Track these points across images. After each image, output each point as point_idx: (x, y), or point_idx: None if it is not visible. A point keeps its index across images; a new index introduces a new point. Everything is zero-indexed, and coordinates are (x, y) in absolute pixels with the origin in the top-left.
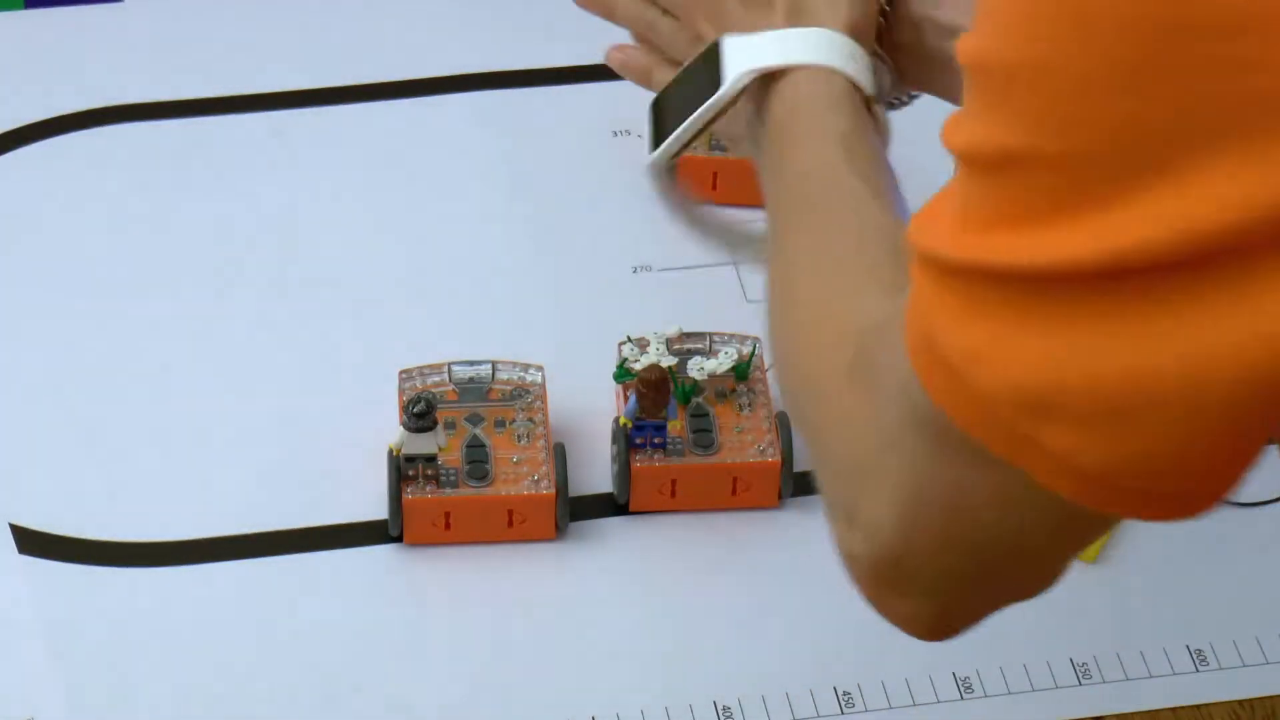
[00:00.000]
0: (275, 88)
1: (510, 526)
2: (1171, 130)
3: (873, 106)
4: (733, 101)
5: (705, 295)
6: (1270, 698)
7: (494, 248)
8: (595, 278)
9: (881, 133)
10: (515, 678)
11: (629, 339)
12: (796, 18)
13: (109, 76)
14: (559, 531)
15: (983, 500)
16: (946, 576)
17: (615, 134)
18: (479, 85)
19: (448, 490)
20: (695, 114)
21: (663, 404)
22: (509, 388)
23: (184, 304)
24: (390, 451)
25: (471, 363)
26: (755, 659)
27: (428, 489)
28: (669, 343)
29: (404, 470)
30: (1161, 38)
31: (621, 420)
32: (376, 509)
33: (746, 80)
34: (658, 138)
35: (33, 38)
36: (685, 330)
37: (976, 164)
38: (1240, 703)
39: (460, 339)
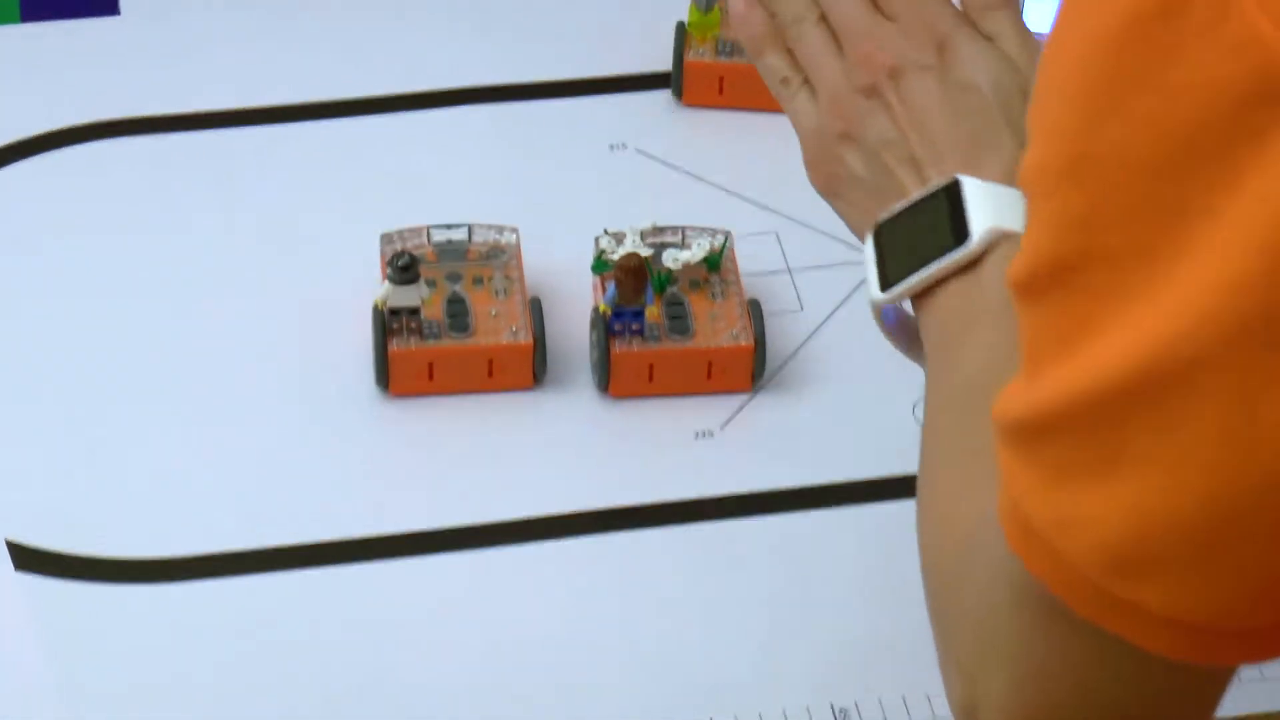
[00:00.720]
0: (273, 101)
1: (490, 376)
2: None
3: None
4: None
5: None
6: None
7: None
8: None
9: None
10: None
11: (605, 231)
12: (1006, 173)
13: (106, 89)
14: (537, 380)
15: (1094, 670)
16: None
17: (612, 148)
18: (476, 99)
19: (430, 341)
20: (934, 266)
21: (640, 290)
22: (485, 248)
23: (183, 314)
24: (375, 306)
25: (449, 226)
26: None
27: (411, 340)
28: (644, 235)
29: (389, 324)
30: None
31: (601, 307)
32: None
33: (991, 239)
34: (883, 272)
35: (29, 50)
36: (659, 224)
37: (1034, 288)
38: None
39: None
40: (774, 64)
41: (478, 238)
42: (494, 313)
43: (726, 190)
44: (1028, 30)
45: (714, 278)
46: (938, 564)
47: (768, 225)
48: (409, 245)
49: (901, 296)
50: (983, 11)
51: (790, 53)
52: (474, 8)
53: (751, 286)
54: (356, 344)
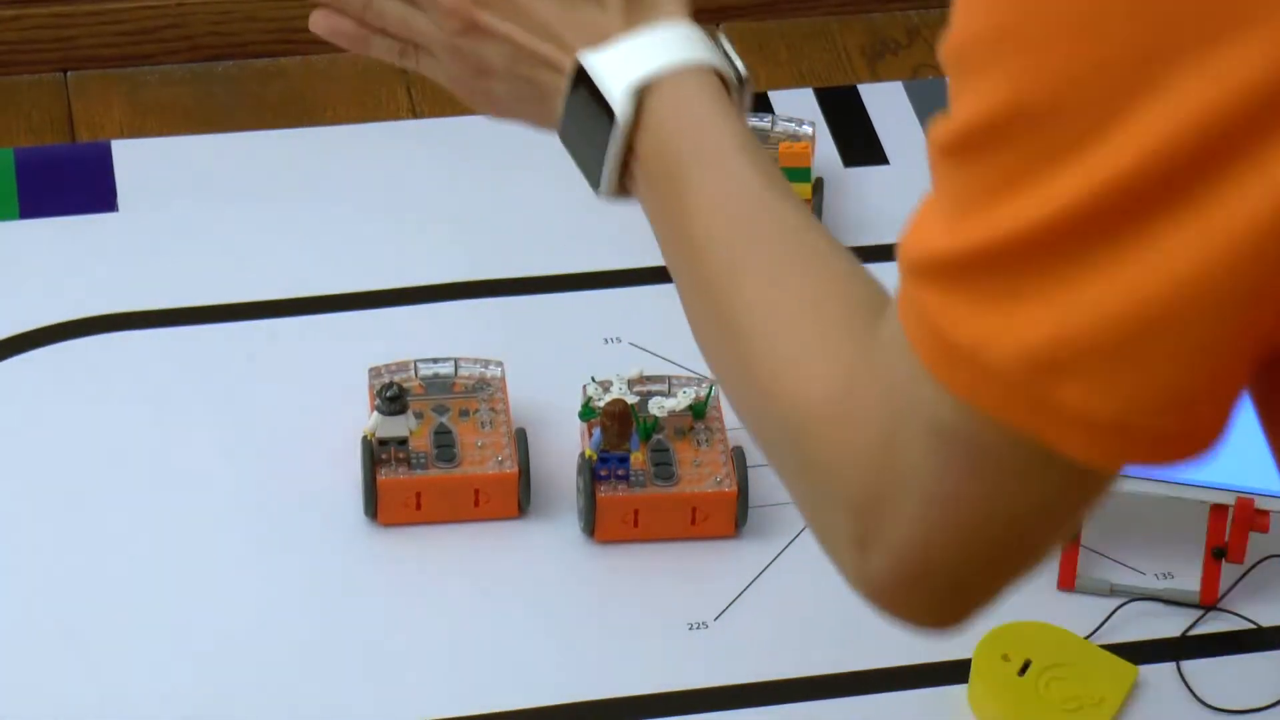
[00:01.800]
0: (270, 295)
1: (476, 506)
2: (1137, 59)
3: (733, 93)
4: (636, 121)
5: None
6: None
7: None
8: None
9: (744, 114)
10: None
11: (593, 379)
12: (639, 15)
13: (104, 285)
14: (521, 510)
15: (1006, 494)
16: (967, 576)
17: (606, 341)
18: (472, 293)
19: (418, 472)
20: (610, 153)
21: (625, 436)
22: (471, 381)
23: (177, 508)
24: (364, 437)
25: (435, 360)
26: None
27: (400, 470)
28: (630, 383)
29: (377, 454)
30: None
31: (587, 453)
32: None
33: (634, 97)
34: (587, 174)
35: (27, 246)
36: (646, 374)
37: (967, 146)
38: None
39: None
40: (381, 46)
41: (464, 371)
42: (480, 444)
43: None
44: None
45: (699, 425)
46: (771, 411)
47: None
48: (396, 378)
49: (612, 189)
50: None
51: (380, 35)
52: (467, 204)
53: (736, 434)
54: (345, 475)
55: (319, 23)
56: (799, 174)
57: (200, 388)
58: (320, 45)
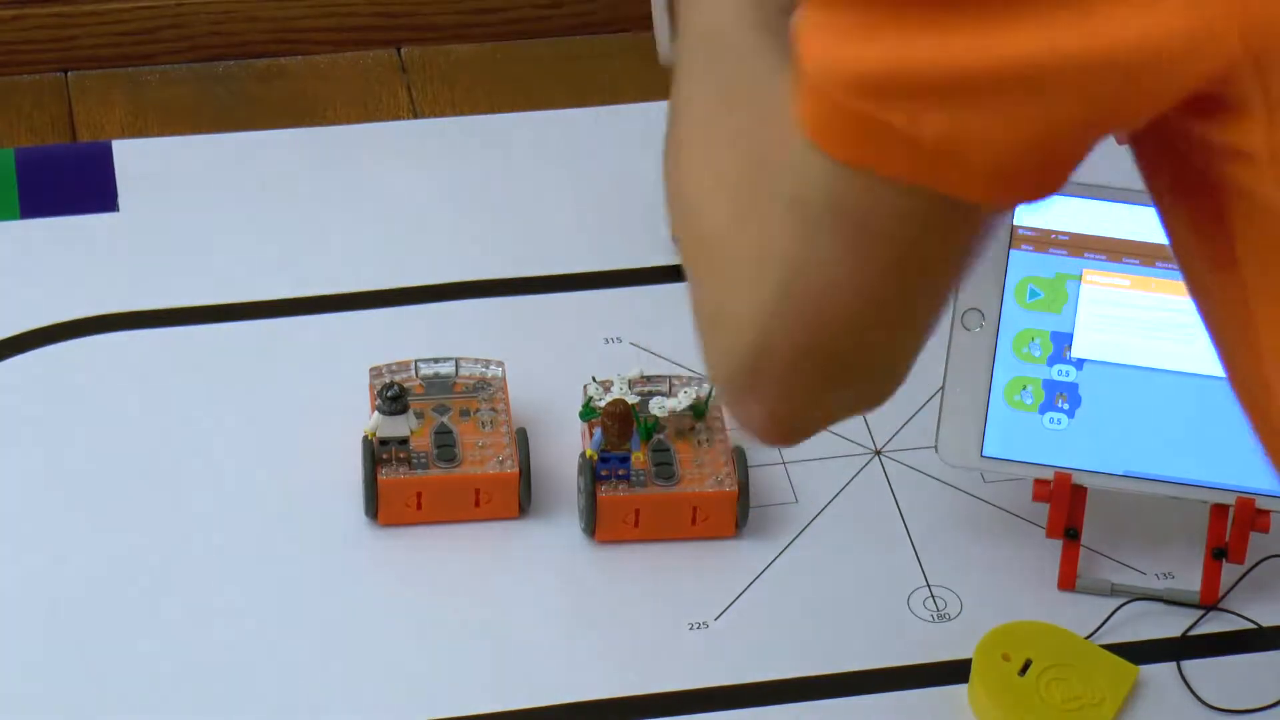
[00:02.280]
0: (270, 295)
1: (477, 506)
2: None
3: None
4: None
5: None
6: None
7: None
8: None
9: None
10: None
11: (594, 380)
12: None
13: (104, 285)
14: (522, 510)
15: (841, 268)
16: (801, 367)
17: (607, 340)
18: (473, 293)
19: (419, 471)
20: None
21: (626, 435)
22: (472, 381)
23: (176, 507)
24: (365, 437)
25: (436, 360)
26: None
27: (400, 470)
28: (631, 383)
29: (378, 454)
30: None
31: (588, 453)
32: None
33: None
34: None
35: (27, 246)
36: (646, 374)
37: None
38: None
39: None
40: None
41: (465, 371)
42: (481, 444)
43: None
44: None
45: (700, 425)
46: (712, 214)
47: None
48: (397, 378)
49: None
50: None
51: None
52: (467, 204)
53: (737, 434)
54: (345, 474)
55: None
56: None
57: (200, 387)
58: (320, 45)
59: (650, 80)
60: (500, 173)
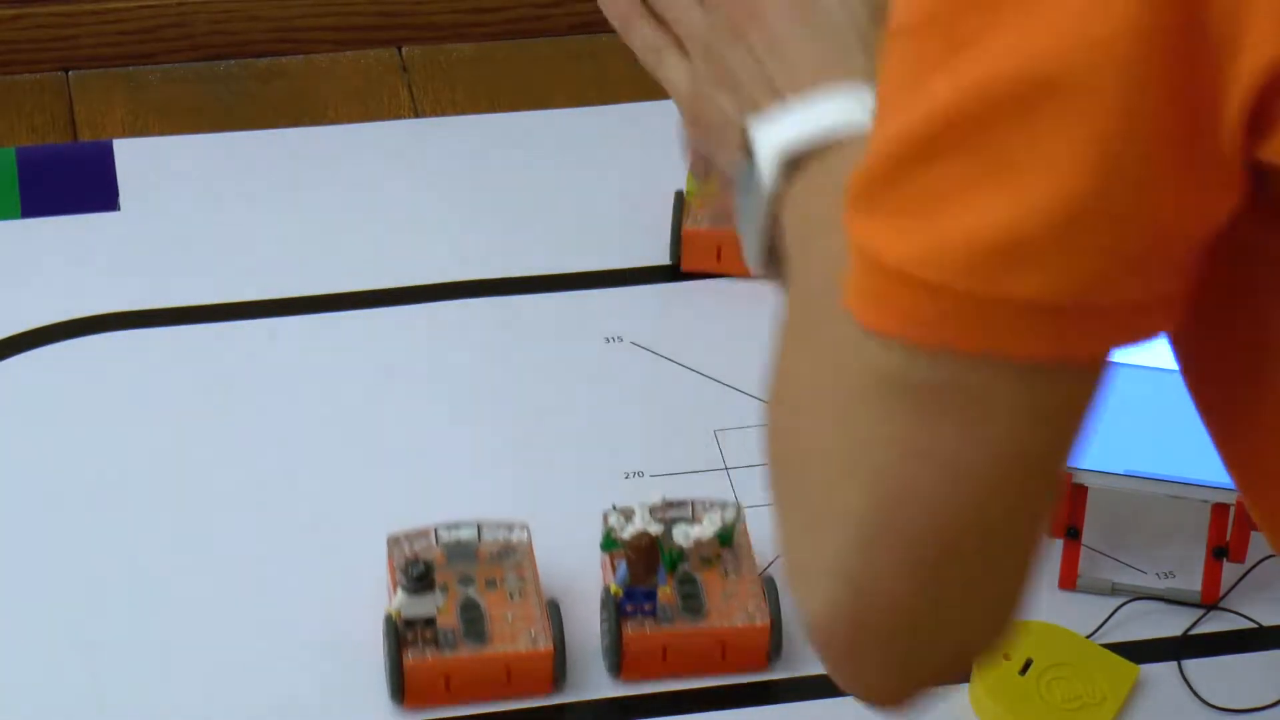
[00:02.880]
0: (271, 294)
1: (509, 684)
2: None
3: None
4: (780, 197)
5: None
6: None
7: (487, 446)
8: (584, 476)
9: None
10: None
11: (614, 508)
12: (828, 70)
13: (105, 284)
14: (555, 686)
15: (940, 477)
16: (906, 618)
17: (608, 340)
18: (473, 292)
19: (447, 652)
20: (754, 227)
21: (653, 570)
22: (496, 547)
23: (180, 508)
24: (389, 617)
25: (456, 525)
26: None
27: (428, 651)
28: (653, 510)
29: (403, 634)
30: None
31: (612, 589)
32: (371, 676)
33: (780, 171)
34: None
35: (29, 245)
36: (669, 499)
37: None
38: None
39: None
40: (645, 35)
41: (487, 536)
42: (510, 616)
43: (721, 382)
44: None
45: (726, 553)
46: (792, 446)
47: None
48: (417, 549)
49: (761, 258)
50: None
51: (657, 23)
52: (468, 203)
53: (764, 560)
54: (366, 653)
55: None
56: None
57: (200, 387)
58: (321, 45)
59: (650, 80)
60: (501, 172)
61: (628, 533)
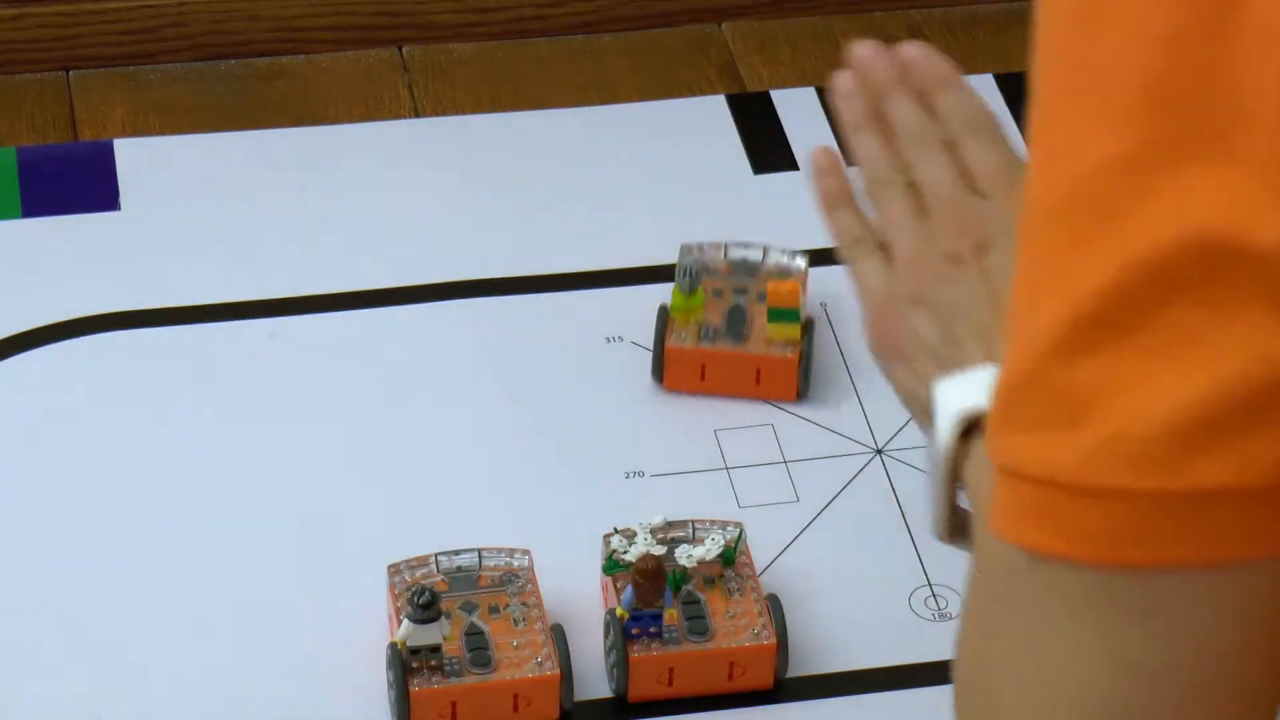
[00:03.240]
0: (271, 294)
1: (515, 711)
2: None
3: None
4: (959, 455)
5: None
6: None
7: (485, 449)
8: (585, 478)
9: None
10: None
11: (615, 530)
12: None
13: (106, 284)
14: (563, 713)
15: (1137, 686)
16: None
17: (609, 340)
18: (473, 292)
19: (453, 680)
20: (936, 484)
21: (659, 592)
22: (498, 573)
23: (179, 509)
24: (394, 646)
25: (457, 552)
26: None
27: (433, 680)
28: (654, 531)
29: (407, 663)
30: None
31: (618, 612)
32: (372, 705)
33: (959, 427)
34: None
35: (29, 245)
36: (670, 519)
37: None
38: None
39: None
40: (848, 222)
41: (488, 562)
42: (515, 644)
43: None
44: None
45: (729, 572)
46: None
47: (764, 418)
48: (418, 576)
49: (941, 526)
50: None
51: (859, 214)
52: (468, 203)
53: (768, 580)
54: (368, 683)
55: (820, 158)
56: (788, 314)
57: (201, 387)
58: (322, 44)
59: (650, 80)
60: (501, 171)
61: (631, 555)
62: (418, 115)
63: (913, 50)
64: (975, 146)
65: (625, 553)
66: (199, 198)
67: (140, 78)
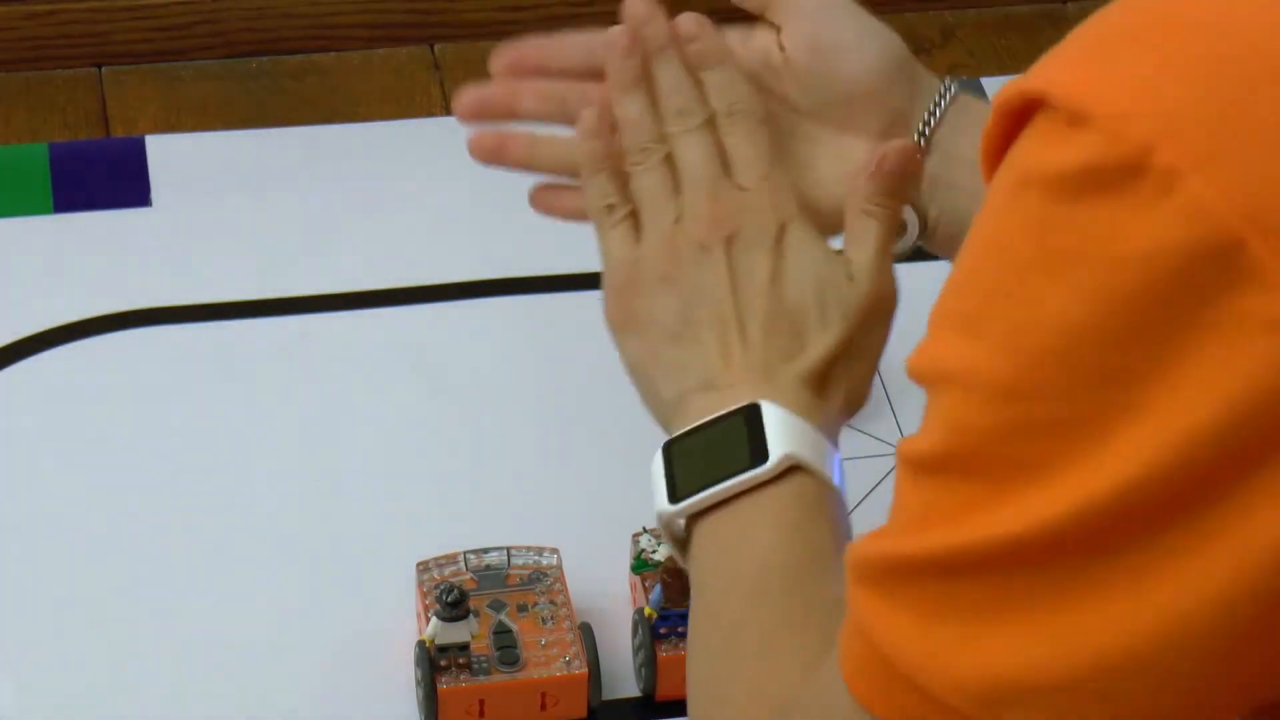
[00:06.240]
0: (302, 291)
1: (543, 710)
2: (1112, 380)
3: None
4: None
5: None
6: None
7: (515, 447)
8: (615, 477)
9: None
10: None
11: (644, 530)
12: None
13: (137, 280)
14: (591, 712)
15: None
16: None
17: None
18: (504, 290)
19: (481, 678)
20: (730, 482)
21: (688, 592)
22: (526, 572)
23: (209, 505)
24: (422, 644)
25: (485, 550)
26: None
27: (461, 678)
28: None
29: (436, 661)
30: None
31: (646, 611)
32: (400, 703)
33: (784, 464)
34: (672, 484)
35: (61, 241)
36: None
37: (936, 459)
38: None
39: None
40: (603, 186)
41: (516, 560)
42: (543, 642)
43: None
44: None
45: None
46: None
47: None
48: (445, 574)
49: (692, 509)
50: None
51: (620, 180)
52: (500, 201)
53: None
54: (395, 680)
55: (589, 117)
56: None
57: (233, 383)
58: (354, 42)
59: None
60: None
61: (660, 554)
62: (449, 113)
63: (689, 24)
64: (735, 133)
65: (654, 552)
66: (230, 194)
67: (172, 74)
